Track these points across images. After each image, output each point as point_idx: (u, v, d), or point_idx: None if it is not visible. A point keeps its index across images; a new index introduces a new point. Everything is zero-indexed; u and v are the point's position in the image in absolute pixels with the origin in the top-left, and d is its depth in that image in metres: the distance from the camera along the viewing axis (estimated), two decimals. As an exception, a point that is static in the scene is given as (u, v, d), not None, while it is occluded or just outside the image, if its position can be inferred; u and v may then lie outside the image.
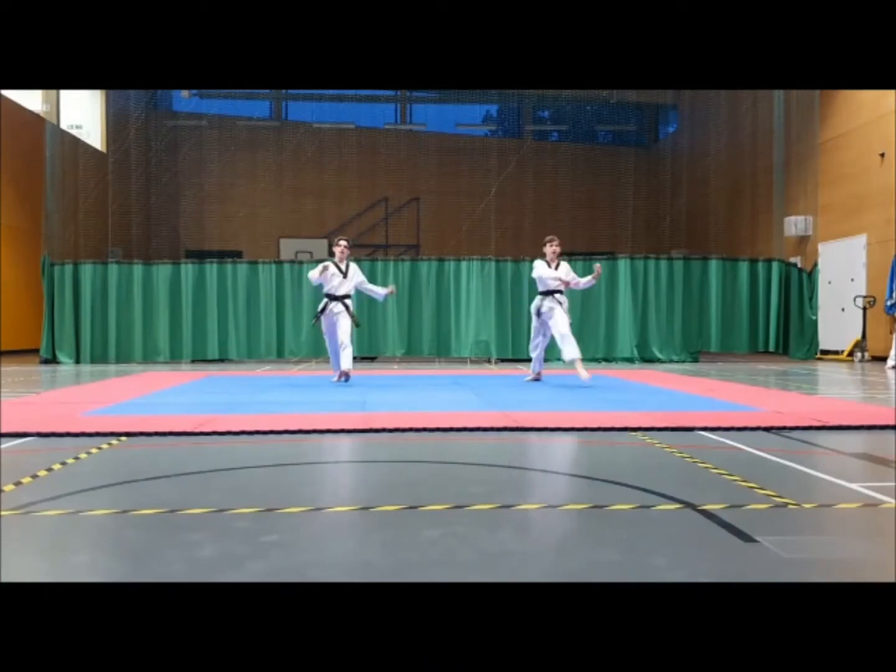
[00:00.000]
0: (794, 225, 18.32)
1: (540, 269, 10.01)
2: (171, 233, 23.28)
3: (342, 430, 5.76)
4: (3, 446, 5.15)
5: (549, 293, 9.89)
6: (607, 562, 2.77)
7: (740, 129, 20.83)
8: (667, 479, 4.17)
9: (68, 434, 5.57)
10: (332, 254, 10.13)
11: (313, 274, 9.80)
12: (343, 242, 10.09)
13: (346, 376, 9.77)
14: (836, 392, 9.59)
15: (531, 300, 15.86)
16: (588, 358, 12.50)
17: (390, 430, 5.79)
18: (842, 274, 17.20)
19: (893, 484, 3.99)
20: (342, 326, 9.77)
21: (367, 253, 22.01)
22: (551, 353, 11.45)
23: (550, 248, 10.00)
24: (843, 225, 17.26)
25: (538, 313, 9.95)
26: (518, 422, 6.03)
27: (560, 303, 9.85)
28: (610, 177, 24.65)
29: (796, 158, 18.15)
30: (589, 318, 15.41)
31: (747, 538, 3.01)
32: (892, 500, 3.58)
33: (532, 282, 15.88)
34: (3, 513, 3.37)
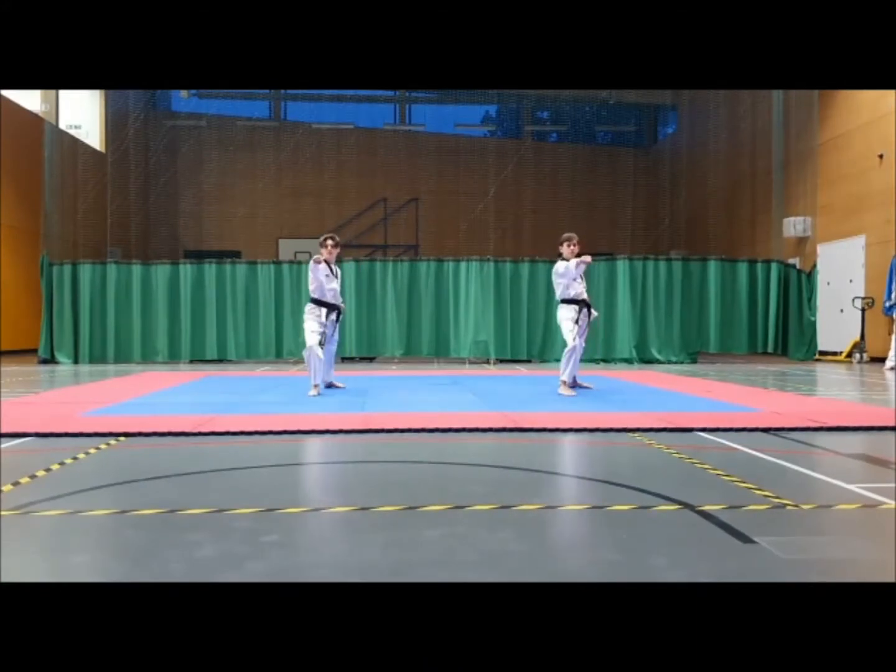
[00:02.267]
0: (794, 226, 18.33)
1: (568, 274, 8.62)
2: (169, 233, 23.28)
3: (342, 431, 5.76)
4: (2, 446, 5.15)
5: (582, 303, 8.66)
6: (607, 562, 2.77)
7: (739, 129, 20.84)
8: (665, 480, 4.17)
9: (67, 434, 5.57)
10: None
11: (317, 274, 8.40)
12: (330, 242, 8.58)
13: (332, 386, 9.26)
14: (834, 393, 9.60)
15: (530, 300, 15.97)
16: (587, 359, 12.50)
17: (389, 431, 5.79)
18: (840, 275, 17.20)
19: (891, 485, 3.99)
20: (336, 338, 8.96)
21: (366, 253, 22.00)
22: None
23: (568, 249, 8.63)
24: (842, 226, 17.26)
25: (577, 321, 8.57)
26: (517, 422, 6.03)
27: (592, 315, 8.82)
28: (609, 177, 24.67)
29: (796, 159, 18.16)
30: (588, 318, 15.40)
31: (746, 539, 3.01)
32: (891, 501, 3.59)
33: (532, 282, 15.95)
34: (3, 513, 3.37)
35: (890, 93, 15.15)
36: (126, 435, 5.58)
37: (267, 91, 24.15)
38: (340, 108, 25.24)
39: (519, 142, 25.85)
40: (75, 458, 4.74)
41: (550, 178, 24.45)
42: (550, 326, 14.80)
